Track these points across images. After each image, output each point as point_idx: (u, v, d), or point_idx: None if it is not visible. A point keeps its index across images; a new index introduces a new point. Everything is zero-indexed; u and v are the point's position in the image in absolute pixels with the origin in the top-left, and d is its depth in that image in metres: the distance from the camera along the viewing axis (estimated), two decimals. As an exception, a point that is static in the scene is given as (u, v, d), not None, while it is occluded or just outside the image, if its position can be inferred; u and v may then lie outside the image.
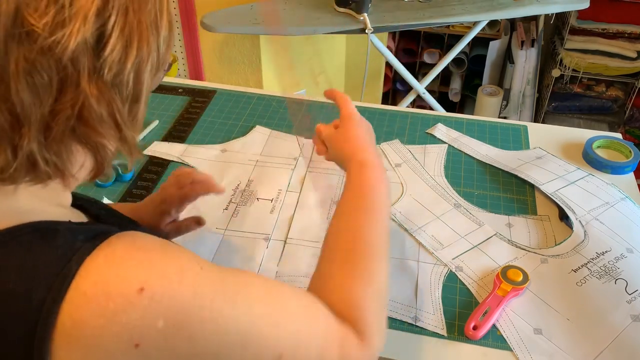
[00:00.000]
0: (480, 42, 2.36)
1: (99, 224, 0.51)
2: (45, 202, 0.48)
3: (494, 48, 2.30)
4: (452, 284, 0.83)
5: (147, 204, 0.80)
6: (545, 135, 1.14)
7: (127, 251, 0.43)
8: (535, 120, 2.36)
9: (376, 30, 1.63)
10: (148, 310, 0.40)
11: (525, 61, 2.20)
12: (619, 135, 1.12)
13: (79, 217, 0.52)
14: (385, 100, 2.56)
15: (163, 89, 1.29)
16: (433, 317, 0.78)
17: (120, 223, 0.61)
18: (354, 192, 0.64)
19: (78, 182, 0.49)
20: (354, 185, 0.65)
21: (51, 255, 0.41)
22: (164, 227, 0.80)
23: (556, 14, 2.19)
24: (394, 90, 2.60)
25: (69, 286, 0.40)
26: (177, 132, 1.15)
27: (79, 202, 0.59)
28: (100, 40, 0.41)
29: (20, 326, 0.40)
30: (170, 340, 0.41)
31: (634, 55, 2.08)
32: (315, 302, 0.52)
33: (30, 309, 0.39)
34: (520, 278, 0.80)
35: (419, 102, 2.42)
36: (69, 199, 0.52)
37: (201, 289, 0.43)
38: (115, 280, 0.40)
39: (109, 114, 0.43)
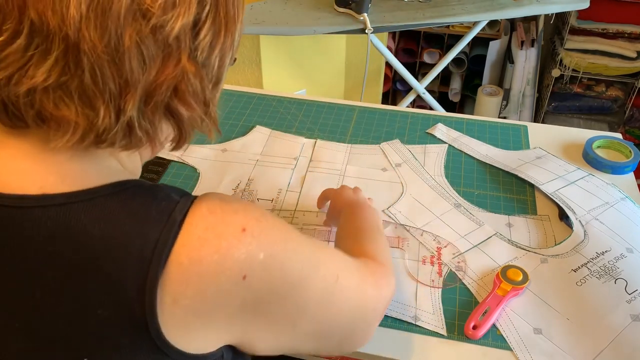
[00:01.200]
0: (480, 42, 2.36)
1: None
2: (128, 170, 0.55)
3: (494, 48, 2.30)
4: (452, 283, 0.83)
5: None
6: (545, 135, 1.14)
7: (223, 203, 0.50)
8: (535, 120, 2.36)
9: (376, 30, 1.63)
10: (252, 246, 0.48)
11: (525, 61, 2.20)
12: (619, 135, 1.12)
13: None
14: (385, 100, 2.56)
15: (163, 89, 1.29)
16: (433, 316, 0.78)
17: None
18: (350, 218, 0.80)
19: (162, 150, 0.58)
20: (348, 218, 0.80)
21: (157, 205, 0.48)
22: None
23: (556, 14, 2.19)
24: (394, 90, 2.60)
25: (179, 231, 0.46)
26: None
27: None
28: (195, 25, 0.47)
29: (135, 264, 0.45)
30: (268, 270, 0.48)
31: (634, 55, 2.08)
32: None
33: (144, 250, 0.45)
34: (520, 278, 0.80)
35: (419, 102, 2.42)
36: (140, 172, 0.60)
37: (282, 226, 0.52)
38: (222, 224, 0.48)
39: (201, 90, 0.50)
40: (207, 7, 0.47)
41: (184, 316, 0.46)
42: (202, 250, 0.46)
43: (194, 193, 0.98)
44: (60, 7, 0.41)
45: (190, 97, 0.49)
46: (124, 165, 0.55)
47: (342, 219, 0.80)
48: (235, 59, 0.56)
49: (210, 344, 0.50)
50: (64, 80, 0.43)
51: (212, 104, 0.53)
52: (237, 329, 0.50)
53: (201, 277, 0.46)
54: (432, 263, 0.85)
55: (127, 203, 0.48)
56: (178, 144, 0.56)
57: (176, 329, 0.47)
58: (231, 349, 0.53)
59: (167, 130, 0.54)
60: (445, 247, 0.88)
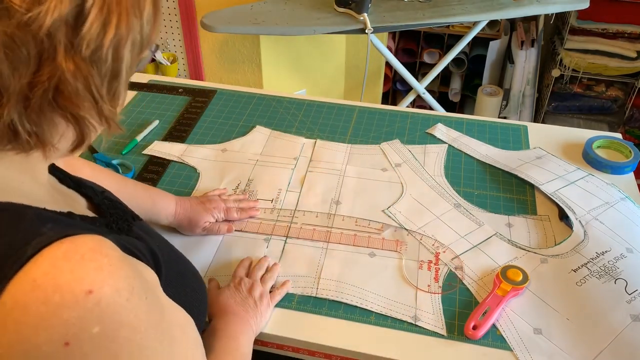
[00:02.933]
0: (480, 42, 2.36)
1: (82, 221, 0.51)
2: (26, 174, 0.50)
3: (494, 48, 2.30)
4: (452, 283, 0.83)
5: (196, 202, 0.91)
6: (545, 135, 1.14)
7: (91, 252, 0.43)
8: (535, 120, 2.36)
9: (376, 30, 1.63)
10: (89, 313, 0.41)
11: (525, 61, 2.20)
12: (618, 135, 1.12)
13: (73, 200, 0.53)
14: (385, 100, 2.56)
15: (163, 88, 1.29)
16: (433, 317, 0.78)
17: (121, 216, 0.61)
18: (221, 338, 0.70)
19: (59, 152, 0.50)
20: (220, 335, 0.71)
21: (10, 236, 0.42)
22: (202, 223, 0.90)
23: (556, 14, 2.19)
24: (394, 90, 2.60)
25: (20, 269, 0.40)
26: (177, 132, 1.15)
27: (84, 189, 0.60)
28: (78, 17, 0.42)
29: None
30: (98, 349, 0.41)
31: (634, 55, 2.08)
32: None
33: None
34: (520, 278, 0.80)
35: (419, 102, 2.42)
36: (45, 174, 0.53)
37: (142, 315, 0.44)
38: (68, 276, 0.41)
39: (85, 88, 0.45)
40: None
41: None
42: (30, 296, 0.40)
43: (194, 193, 0.99)
44: None
45: (74, 97, 0.45)
46: (16, 173, 0.49)
47: (211, 326, 0.73)
48: (157, 47, 0.52)
49: None
50: None
51: (105, 100, 0.47)
52: None
53: (19, 326, 0.40)
54: (429, 268, 0.85)
55: None
56: (77, 144, 0.50)
57: None
58: None
59: (61, 130, 0.48)
60: (444, 252, 0.88)
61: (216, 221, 0.91)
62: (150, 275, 0.51)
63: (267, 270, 0.84)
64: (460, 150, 1.10)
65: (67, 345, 0.40)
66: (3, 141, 0.44)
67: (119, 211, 0.63)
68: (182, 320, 0.52)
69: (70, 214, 0.50)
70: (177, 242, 0.89)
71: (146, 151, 1.09)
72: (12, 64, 0.41)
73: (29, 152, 0.47)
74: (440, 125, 1.16)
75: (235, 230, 0.92)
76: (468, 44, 2.10)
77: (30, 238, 0.42)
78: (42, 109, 0.44)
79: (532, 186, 1.00)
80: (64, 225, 0.45)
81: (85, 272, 0.41)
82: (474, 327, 0.75)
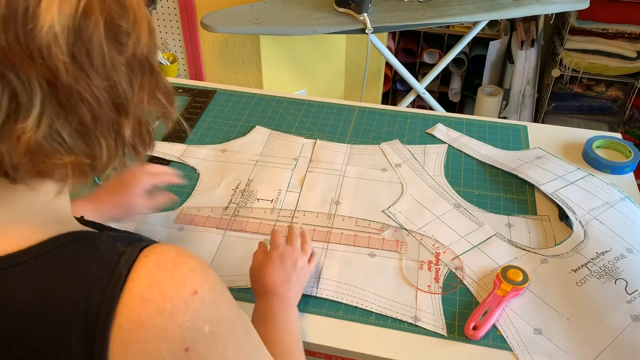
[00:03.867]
0: (480, 42, 2.36)
1: (124, 232, 0.53)
2: (66, 212, 0.50)
3: (494, 48, 2.30)
4: (452, 284, 0.83)
5: (115, 191, 0.85)
6: (545, 135, 1.14)
7: (179, 257, 0.44)
8: (535, 120, 2.36)
9: (376, 30, 1.63)
10: (199, 314, 0.43)
11: (525, 61, 2.20)
12: (618, 135, 1.12)
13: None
14: (385, 100, 2.56)
15: (163, 89, 1.29)
16: (433, 317, 0.78)
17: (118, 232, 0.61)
18: (268, 318, 0.70)
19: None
20: (266, 317, 0.71)
21: (99, 261, 0.43)
22: (134, 201, 0.85)
23: (556, 14, 2.18)
24: (394, 90, 2.60)
25: (123, 289, 0.41)
26: (177, 132, 1.15)
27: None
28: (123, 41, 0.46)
29: (81, 332, 0.41)
30: (211, 347, 0.43)
31: (634, 55, 2.08)
32: None
33: (88, 315, 0.41)
34: (520, 278, 0.80)
35: (419, 102, 2.42)
36: (68, 202, 0.53)
37: (233, 307, 0.47)
38: (170, 283, 0.42)
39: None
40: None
41: None
42: (143, 312, 0.41)
43: (193, 193, 0.99)
44: None
45: (161, 94, 0.49)
46: (52, 206, 0.48)
47: (255, 311, 0.73)
48: None
49: None
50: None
51: (173, 93, 0.53)
52: None
53: (141, 344, 0.41)
54: (429, 269, 0.85)
55: (63, 263, 0.43)
56: (149, 148, 0.52)
57: None
58: None
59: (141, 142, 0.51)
60: (444, 252, 0.88)
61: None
62: None
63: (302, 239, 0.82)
64: (460, 151, 1.10)
65: (187, 350, 0.42)
66: (119, 160, 0.46)
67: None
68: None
69: (119, 230, 0.52)
70: (177, 242, 0.89)
71: (146, 151, 1.09)
72: (130, 83, 0.44)
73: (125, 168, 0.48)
74: (440, 126, 1.16)
75: (236, 230, 0.92)
76: (468, 44, 2.09)
77: (116, 258, 0.43)
78: (142, 121, 0.47)
79: (532, 186, 1.00)
80: (129, 240, 0.46)
81: (184, 276, 0.43)
82: (474, 328, 0.75)
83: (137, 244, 0.45)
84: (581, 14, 2.10)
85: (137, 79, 0.44)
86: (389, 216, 0.94)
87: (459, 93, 2.50)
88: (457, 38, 2.07)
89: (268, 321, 0.69)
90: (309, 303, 0.80)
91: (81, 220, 0.55)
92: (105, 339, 0.40)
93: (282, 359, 0.65)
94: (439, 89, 2.56)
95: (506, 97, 2.32)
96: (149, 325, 0.41)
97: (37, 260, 0.42)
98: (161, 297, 0.41)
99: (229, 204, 0.97)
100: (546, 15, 2.23)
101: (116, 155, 0.45)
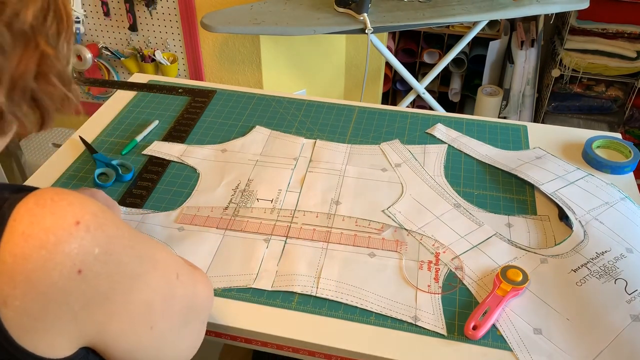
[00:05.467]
0: (480, 42, 2.36)
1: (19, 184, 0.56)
2: None
3: (494, 48, 2.30)
4: (452, 283, 0.83)
5: None
6: (545, 135, 1.14)
7: (56, 194, 0.47)
8: (535, 120, 2.36)
9: (376, 30, 1.63)
10: (85, 240, 0.46)
11: (525, 61, 2.20)
12: (618, 135, 1.12)
13: None
14: (385, 100, 2.56)
15: (163, 89, 1.29)
16: (433, 317, 0.78)
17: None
18: None
19: (27, 134, 0.54)
20: None
21: None
22: None
23: (556, 14, 2.19)
24: (394, 90, 2.60)
25: (4, 229, 0.44)
26: (177, 132, 1.15)
27: None
28: (45, 15, 0.47)
29: None
30: (105, 264, 0.48)
31: (634, 55, 2.08)
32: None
33: None
34: (520, 278, 0.80)
35: (418, 102, 2.42)
36: None
37: (120, 223, 0.51)
38: (51, 217, 0.45)
39: (63, 69, 0.50)
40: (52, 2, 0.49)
41: (19, 319, 0.44)
42: (26, 246, 0.43)
43: (193, 193, 0.99)
44: None
45: (55, 77, 0.50)
46: None
47: None
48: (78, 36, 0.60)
49: (62, 347, 0.48)
50: None
51: (72, 82, 0.53)
52: (90, 328, 0.49)
53: (28, 275, 0.43)
54: (429, 269, 0.85)
55: None
56: (41, 125, 0.54)
57: (19, 332, 0.44)
58: (95, 354, 0.52)
59: (29, 113, 0.53)
60: (444, 252, 0.88)
61: None
62: None
63: None
64: (460, 151, 1.10)
65: (80, 272, 0.46)
66: None
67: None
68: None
69: (15, 184, 0.55)
70: (177, 242, 0.89)
71: (146, 151, 1.09)
72: (2, 51, 0.44)
73: (7, 134, 0.50)
74: (440, 125, 1.16)
75: (235, 230, 0.92)
76: (468, 44, 2.10)
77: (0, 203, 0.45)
78: (26, 92, 0.48)
79: (532, 186, 1.00)
80: (18, 187, 0.49)
81: (63, 210, 0.46)
82: (474, 327, 0.75)
83: (24, 191, 0.47)
84: (581, 14, 2.10)
85: (14, 50, 0.45)
86: (388, 216, 0.94)
87: (459, 93, 2.50)
88: (457, 38, 2.07)
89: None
90: (309, 303, 0.80)
91: None
92: None
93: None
94: (439, 89, 2.56)
95: (506, 97, 2.32)
96: (33, 257, 0.43)
97: None
98: (43, 231, 0.44)
99: (229, 204, 0.97)
100: (546, 15, 2.24)
101: None
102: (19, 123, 0.50)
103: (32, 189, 0.48)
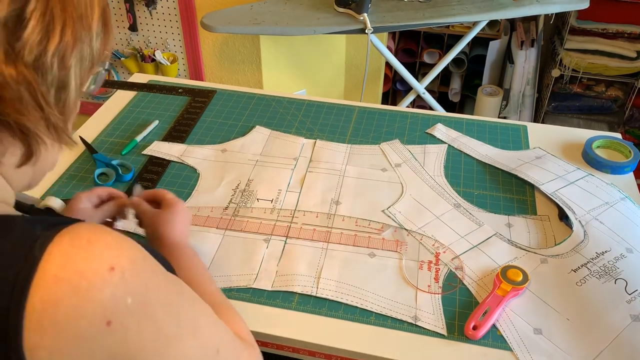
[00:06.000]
0: (480, 42, 2.36)
1: (51, 216, 0.52)
2: None
3: (494, 48, 2.30)
4: (452, 283, 0.83)
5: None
6: (545, 135, 1.14)
7: (93, 234, 0.43)
8: (535, 120, 2.36)
9: (376, 30, 1.63)
10: (119, 288, 0.42)
11: (525, 61, 2.20)
12: (618, 135, 1.12)
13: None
14: (385, 100, 2.56)
15: (163, 89, 1.29)
16: (433, 317, 0.78)
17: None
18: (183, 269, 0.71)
19: (5, 168, 0.48)
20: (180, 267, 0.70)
21: (12, 244, 0.42)
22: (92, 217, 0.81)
23: (556, 14, 2.19)
24: (394, 90, 2.60)
25: (36, 270, 0.40)
26: (177, 132, 1.15)
27: None
28: (18, 21, 0.42)
29: None
30: (137, 317, 0.43)
31: (634, 55, 2.08)
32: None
33: (1, 293, 0.40)
34: (520, 278, 0.80)
35: (418, 102, 2.42)
36: (11, 197, 0.51)
37: (159, 274, 0.47)
38: (85, 260, 0.42)
39: (30, 95, 0.44)
40: (33, 3, 0.43)
41: None
42: (57, 291, 0.40)
43: (193, 193, 0.99)
44: None
45: (17, 103, 0.43)
46: None
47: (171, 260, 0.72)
48: (110, 65, 0.51)
49: None
50: None
51: (52, 107, 0.46)
52: None
53: (57, 323, 0.40)
54: (429, 269, 0.85)
55: None
56: (25, 159, 0.48)
57: None
58: None
59: (7, 144, 0.46)
60: (444, 252, 0.88)
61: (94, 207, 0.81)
62: None
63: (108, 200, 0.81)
64: (460, 150, 1.10)
65: (110, 323, 0.41)
66: None
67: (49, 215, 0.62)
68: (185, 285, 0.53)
69: (48, 209, 0.51)
70: (177, 242, 0.89)
71: (146, 151, 1.09)
72: None
73: None
74: (440, 125, 1.16)
75: (236, 230, 0.92)
76: (468, 44, 2.10)
77: (31, 242, 0.42)
78: None
79: (532, 186, 1.00)
80: (52, 222, 0.45)
81: (99, 253, 0.42)
82: (474, 327, 0.75)
83: (57, 226, 0.43)
84: (581, 14, 2.10)
85: None
86: (388, 216, 0.94)
87: (459, 93, 2.50)
88: (457, 38, 2.07)
89: (190, 272, 0.70)
90: (309, 303, 0.80)
91: (31, 208, 0.54)
92: (18, 323, 0.39)
93: (220, 308, 0.65)
94: (439, 89, 2.56)
95: (506, 97, 2.32)
96: (64, 304, 0.40)
97: None
98: (76, 275, 0.41)
99: (229, 203, 0.97)
100: (546, 15, 2.23)
101: None
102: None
103: (67, 223, 0.44)
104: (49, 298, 0.40)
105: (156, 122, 1.17)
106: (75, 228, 0.44)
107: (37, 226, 0.44)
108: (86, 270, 0.41)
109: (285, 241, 0.90)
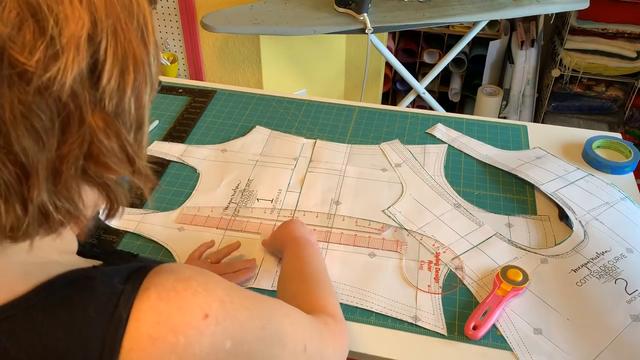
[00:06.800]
0: (480, 42, 2.36)
1: (122, 263, 0.48)
2: (56, 251, 0.45)
3: (494, 48, 2.30)
4: (452, 283, 0.83)
5: None
6: (545, 135, 1.14)
7: (179, 283, 0.41)
8: (535, 120, 2.36)
9: (376, 30, 1.63)
10: (216, 335, 0.41)
11: (525, 61, 2.20)
12: (618, 135, 1.12)
13: (85, 263, 0.48)
14: (385, 100, 2.56)
15: (163, 89, 1.29)
16: (433, 317, 0.78)
17: (122, 257, 0.57)
18: (295, 257, 0.78)
19: (89, 223, 0.45)
20: (292, 258, 0.78)
21: (95, 304, 0.39)
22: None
23: (556, 14, 2.18)
24: (394, 90, 2.60)
25: (124, 333, 0.38)
26: (177, 132, 1.15)
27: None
28: (95, 69, 0.37)
29: None
30: (236, 357, 0.42)
31: (634, 55, 2.08)
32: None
33: None
34: (520, 278, 0.80)
35: (418, 102, 2.42)
36: (75, 244, 0.49)
37: (249, 301, 0.46)
38: (177, 313, 0.39)
39: (120, 147, 0.40)
40: (104, 42, 0.37)
41: None
42: (154, 352, 0.38)
43: (193, 193, 0.99)
44: None
45: (109, 159, 0.39)
46: (49, 252, 0.44)
47: (286, 256, 0.79)
48: (160, 83, 0.45)
49: None
50: None
51: (139, 156, 0.42)
52: None
53: None
54: (429, 269, 0.85)
55: (59, 312, 0.39)
56: (110, 211, 0.44)
57: None
58: None
59: (92, 198, 0.43)
60: (444, 252, 0.88)
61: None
62: None
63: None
64: (460, 150, 1.10)
65: None
66: (34, 227, 0.38)
67: (116, 254, 0.59)
68: (258, 294, 0.52)
69: (113, 251, 0.50)
70: (177, 242, 0.89)
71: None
72: (35, 137, 0.35)
73: (60, 231, 0.41)
74: (440, 125, 1.16)
75: (236, 230, 0.92)
76: (468, 44, 2.09)
77: (115, 299, 0.40)
78: (74, 181, 0.38)
79: (532, 186, 1.00)
80: (127, 272, 0.42)
81: (190, 303, 0.40)
82: (474, 327, 0.75)
83: (135, 276, 0.41)
84: (581, 14, 2.10)
85: (50, 130, 0.36)
86: (389, 216, 0.94)
87: (459, 93, 2.50)
88: (457, 38, 2.07)
89: (298, 257, 0.76)
90: (309, 303, 0.80)
91: (82, 248, 0.51)
92: None
93: (312, 282, 0.71)
94: (439, 89, 2.56)
95: (506, 97, 2.32)
96: None
97: (27, 311, 0.38)
98: (171, 332, 0.39)
99: (229, 204, 0.97)
100: (546, 15, 2.23)
101: (26, 220, 0.37)
102: (71, 218, 0.40)
103: (143, 269, 0.42)
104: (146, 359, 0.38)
105: (156, 122, 1.17)
106: (158, 277, 0.42)
107: (115, 278, 0.41)
108: (181, 325, 0.39)
109: None
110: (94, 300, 0.40)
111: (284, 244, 0.81)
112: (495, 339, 0.75)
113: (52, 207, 0.38)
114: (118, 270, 0.42)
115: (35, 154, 0.35)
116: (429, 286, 0.82)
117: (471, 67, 2.42)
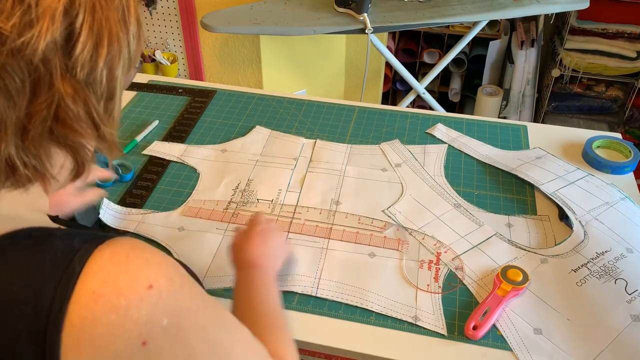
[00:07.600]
0: (480, 42, 2.36)
1: (89, 230, 0.51)
2: (25, 207, 0.48)
3: (494, 48, 2.30)
4: (452, 283, 0.83)
5: None
6: (545, 135, 1.14)
7: (133, 251, 0.43)
8: (535, 120, 2.36)
9: (376, 30, 1.63)
10: (156, 307, 0.41)
11: (525, 61, 2.20)
12: (618, 135, 1.12)
13: (53, 225, 0.51)
14: (385, 100, 2.56)
15: (163, 89, 1.29)
16: (433, 317, 0.78)
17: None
18: (247, 289, 0.71)
19: (59, 184, 0.49)
20: (245, 288, 0.71)
21: (52, 258, 0.42)
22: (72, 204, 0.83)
23: (556, 14, 2.19)
24: (394, 90, 2.60)
25: (75, 286, 0.40)
26: (177, 132, 1.15)
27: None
28: (69, 39, 0.41)
29: (31, 330, 0.40)
30: (171, 340, 0.42)
31: (634, 55, 2.08)
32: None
33: (39, 312, 0.40)
34: (520, 278, 0.80)
35: (418, 102, 2.42)
36: (47, 203, 0.51)
37: (195, 296, 0.46)
38: (125, 277, 0.41)
39: (86, 113, 0.44)
40: (81, 16, 0.41)
41: None
42: (96, 308, 0.40)
43: (193, 193, 0.99)
44: None
45: (75, 122, 0.43)
46: (17, 206, 0.48)
47: (238, 282, 0.72)
48: (141, 63, 0.51)
49: None
50: None
51: (105, 124, 0.46)
52: None
53: (94, 340, 0.40)
54: (429, 269, 0.85)
55: (16, 260, 0.42)
56: (77, 173, 0.48)
57: None
58: None
59: (61, 160, 0.47)
60: (445, 252, 0.88)
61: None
62: None
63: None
64: (460, 150, 1.10)
65: (145, 344, 0.41)
66: (1, 179, 0.42)
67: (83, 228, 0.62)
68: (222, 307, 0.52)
69: (83, 226, 0.51)
70: (177, 242, 0.89)
71: (146, 151, 1.09)
72: (6, 95, 0.39)
73: (27, 187, 0.45)
74: (440, 125, 1.16)
75: (239, 225, 0.92)
76: (468, 44, 2.10)
77: (70, 254, 0.42)
78: (41, 140, 0.42)
79: (532, 186, 1.00)
80: (90, 236, 0.44)
81: (138, 270, 0.42)
82: (474, 327, 0.75)
83: (95, 240, 0.43)
84: (581, 14, 2.10)
85: (21, 90, 0.40)
86: (389, 216, 0.94)
87: (459, 93, 2.50)
88: (457, 38, 2.07)
89: (251, 290, 0.70)
90: (309, 303, 0.80)
91: (55, 218, 0.53)
92: (56, 337, 0.39)
93: (266, 324, 0.65)
94: (439, 89, 2.56)
95: (506, 97, 2.32)
96: (102, 322, 0.40)
97: None
98: (115, 293, 0.40)
99: (229, 203, 0.97)
100: (546, 15, 2.24)
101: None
102: (38, 175, 0.44)
103: (105, 237, 0.44)
104: (87, 315, 0.40)
105: (156, 122, 1.17)
106: (115, 243, 0.43)
107: (76, 239, 0.43)
108: (125, 289, 0.41)
109: (287, 237, 0.90)
110: (51, 254, 0.42)
111: (238, 263, 0.75)
112: (495, 339, 0.75)
113: (19, 161, 0.42)
114: (81, 234, 0.45)
115: (4, 110, 0.39)
116: (428, 286, 0.82)
117: (471, 67, 2.42)
